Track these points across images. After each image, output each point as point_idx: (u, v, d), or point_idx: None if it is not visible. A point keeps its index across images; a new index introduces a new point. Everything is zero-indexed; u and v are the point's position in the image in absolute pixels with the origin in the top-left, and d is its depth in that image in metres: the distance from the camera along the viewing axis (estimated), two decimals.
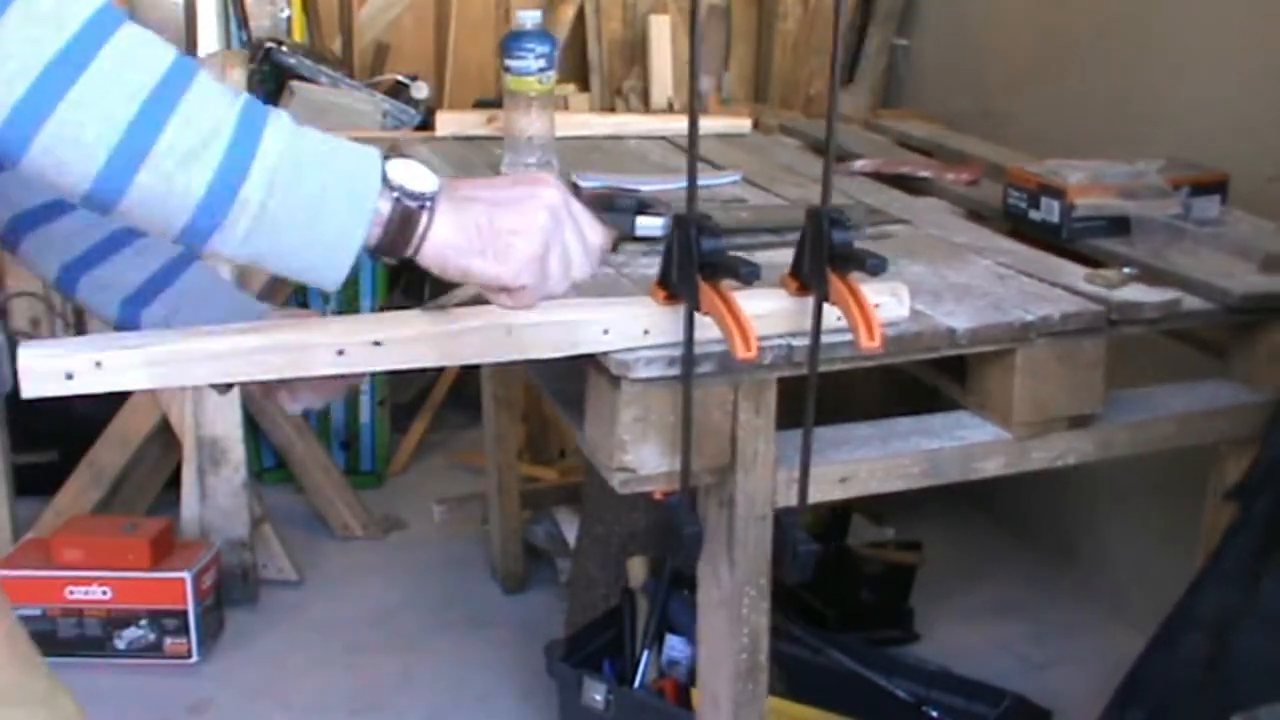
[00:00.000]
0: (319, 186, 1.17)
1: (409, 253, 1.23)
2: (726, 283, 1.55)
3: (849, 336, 1.71)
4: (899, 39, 4.06)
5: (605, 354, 1.63)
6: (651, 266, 1.98)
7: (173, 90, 1.12)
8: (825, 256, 1.57)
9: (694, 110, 1.52)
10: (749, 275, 1.53)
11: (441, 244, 1.23)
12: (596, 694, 2.63)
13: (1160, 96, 3.12)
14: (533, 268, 1.27)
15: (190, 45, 4.72)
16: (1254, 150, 2.71)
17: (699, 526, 1.70)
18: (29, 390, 1.30)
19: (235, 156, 1.13)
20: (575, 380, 1.81)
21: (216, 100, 1.14)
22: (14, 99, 1.05)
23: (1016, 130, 3.36)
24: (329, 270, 1.20)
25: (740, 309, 1.52)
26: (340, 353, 1.39)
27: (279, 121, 1.17)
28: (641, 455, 1.69)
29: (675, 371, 1.63)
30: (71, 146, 1.08)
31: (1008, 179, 2.37)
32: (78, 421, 3.64)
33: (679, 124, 3.14)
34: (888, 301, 1.75)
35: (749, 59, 4.26)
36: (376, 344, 1.41)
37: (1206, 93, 2.98)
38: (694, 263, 1.52)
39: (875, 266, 1.56)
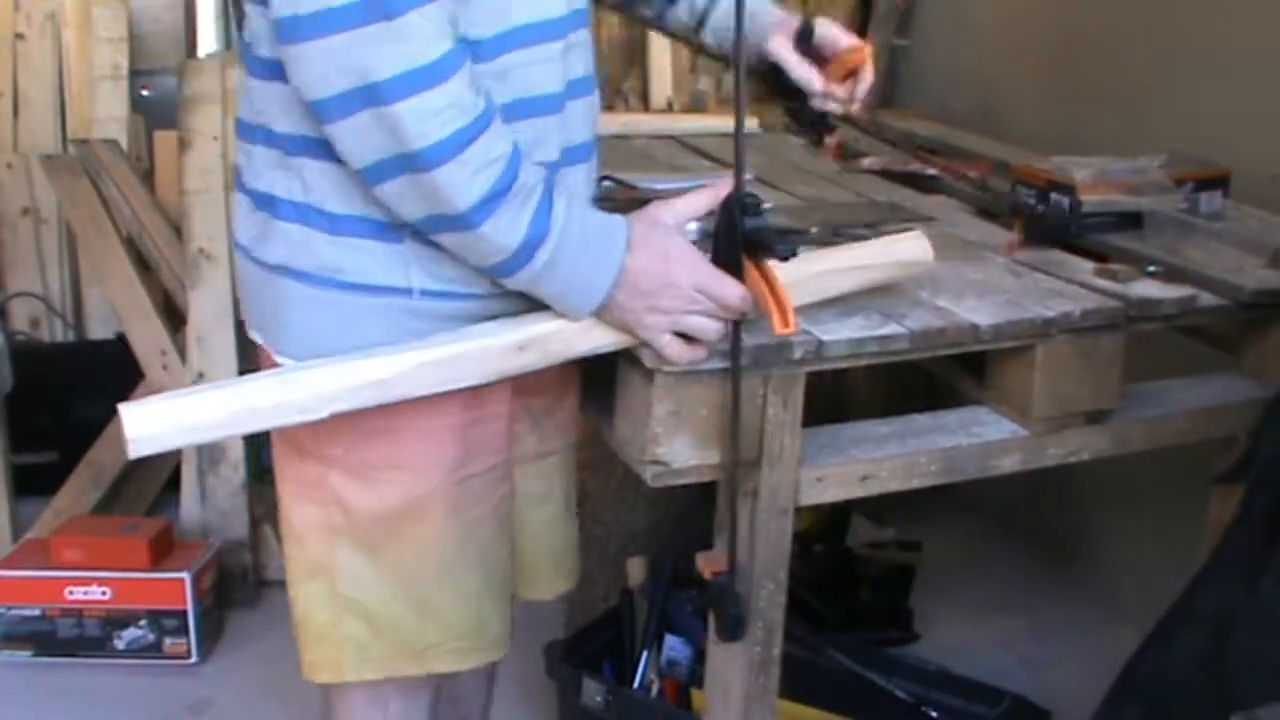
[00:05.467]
0: (582, 246, 1.55)
1: None
2: (770, 262, 1.58)
3: (877, 331, 1.73)
4: (899, 39, 4.07)
5: (639, 347, 1.64)
6: None
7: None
8: (740, 244, 1.60)
9: (740, 97, 1.58)
10: (785, 252, 1.58)
11: (618, 305, 1.59)
12: (596, 695, 2.62)
13: (1158, 93, 3.13)
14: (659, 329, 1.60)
15: (190, 46, 4.73)
16: (1253, 147, 2.72)
17: (743, 608, 1.75)
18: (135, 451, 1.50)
19: (536, 229, 1.52)
20: (600, 374, 1.80)
21: (533, 180, 1.52)
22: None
23: (1016, 129, 3.36)
24: (581, 308, 1.59)
25: (780, 286, 1.56)
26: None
27: (560, 195, 1.55)
28: (674, 449, 1.68)
29: (708, 365, 1.64)
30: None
31: (1015, 176, 2.37)
32: (77, 422, 3.66)
33: (686, 123, 3.14)
34: (910, 246, 1.83)
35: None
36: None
37: (1204, 89, 2.99)
38: (738, 242, 1.58)
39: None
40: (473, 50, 1.50)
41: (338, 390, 1.55)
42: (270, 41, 1.54)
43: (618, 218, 1.59)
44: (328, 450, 1.68)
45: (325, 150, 1.56)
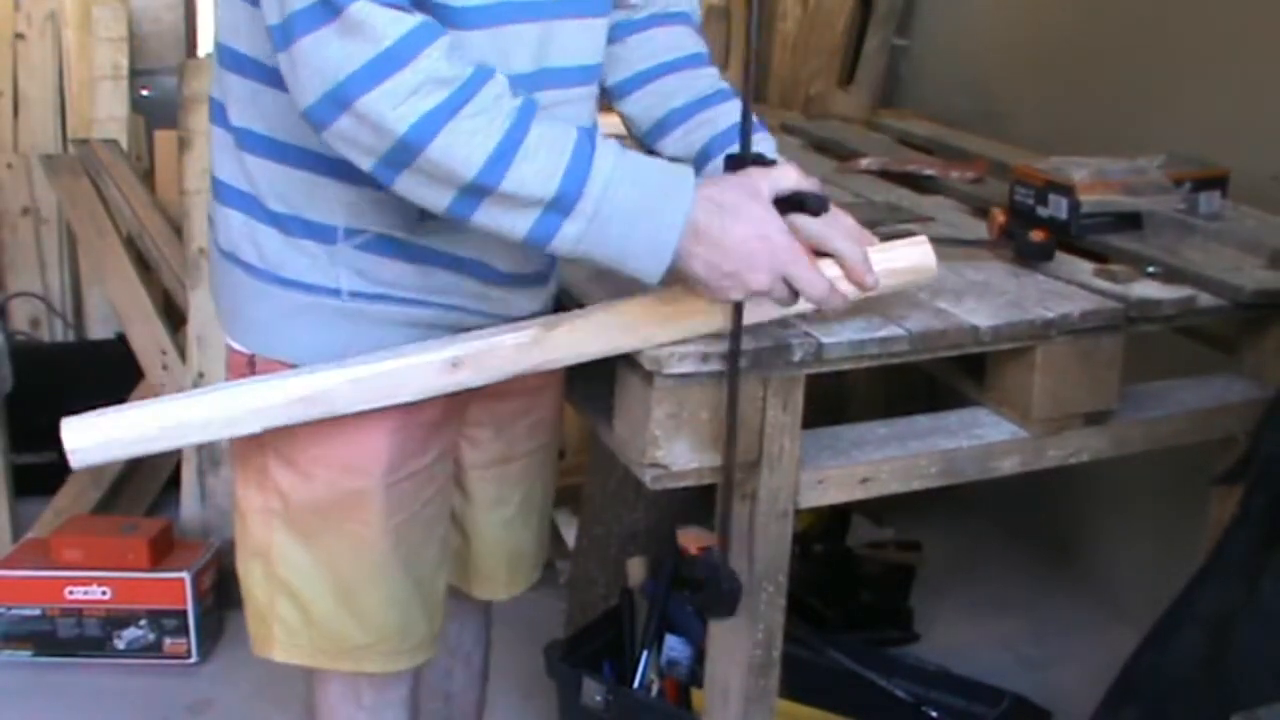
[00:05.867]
0: (638, 199, 1.49)
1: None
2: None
3: (877, 333, 1.73)
4: (899, 39, 4.07)
5: (638, 352, 1.64)
6: None
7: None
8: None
9: (749, 60, 1.60)
10: (817, 205, 1.60)
11: (689, 253, 1.52)
12: (596, 694, 2.62)
13: (1157, 94, 3.13)
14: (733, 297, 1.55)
15: (190, 45, 4.73)
16: (1253, 147, 2.72)
17: (738, 582, 1.72)
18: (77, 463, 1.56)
19: (573, 177, 1.46)
20: (599, 376, 1.80)
21: (557, 132, 1.47)
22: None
23: (1015, 129, 3.36)
24: (652, 266, 1.51)
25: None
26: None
27: (606, 147, 1.49)
28: (674, 452, 1.68)
29: (708, 368, 1.64)
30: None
31: (1014, 176, 2.37)
32: None
33: None
34: (908, 251, 1.77)
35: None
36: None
37: (1204, 89, 2.99)
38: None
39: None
40: None
41: (266, 407, 1.59)
42: (230, 31, 1.59)
43: (684, 169, 1.55)
44: (268, 439, 1.70)
45: (268, 148, 1.60)
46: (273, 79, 1.51)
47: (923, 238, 1.79)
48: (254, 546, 1.78)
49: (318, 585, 1.75)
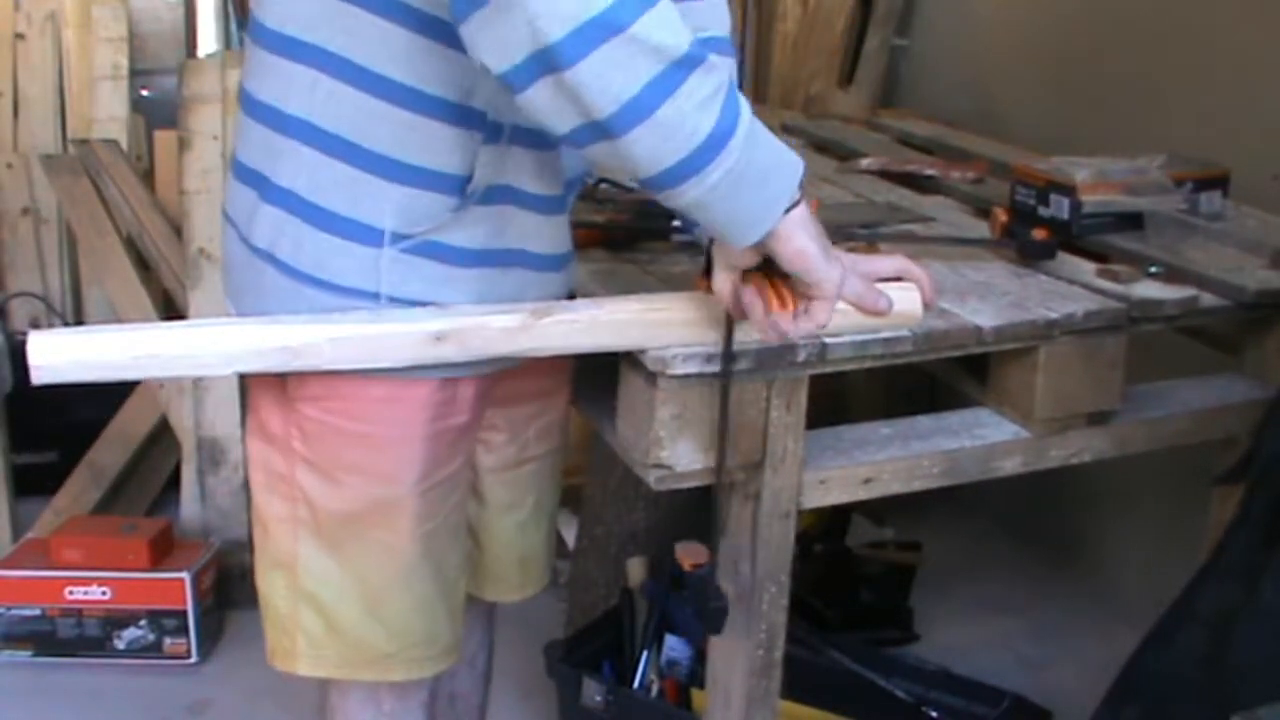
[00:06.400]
0: (771, 155, 1.42)
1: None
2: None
3: (881, 334, 1.74)
4: (899, 39, 4.07)
5: (642, 351, 1.64)
6: (677, 265, 1.99)
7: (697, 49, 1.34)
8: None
9: None
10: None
11: (800, 220, 1.45)
12: (596, 694, 2.62)
13: (1158, 94, 3.13)
14: (835, 285, 1.49)
15: (190, 45, 4.73)
16: (1253, 147, 2.72)
17: (725, 601, 1.72)
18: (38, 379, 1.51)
19: (730, 112, 1.36)
20: (601, 376, 1.80)
21: (720, 63, 1.36)
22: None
23: (1015, 129, 3.36)
24: (751, 230, 1.44)
25: (780, 280, 1.53)
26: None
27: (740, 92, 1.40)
28: (678, 452, 1.68)
29: (712, 369, 1.63)
30: (618, 70, 1.30)
31: (1015, 176, 2.37)
32: (78, 422, 3.66)
33: None
34: (899, 296, 1.69)
35: (749, 59, 4.27)
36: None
37: (1204, 89, 2.99)
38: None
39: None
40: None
41: (244, 350, 1.56)
42: (290, 18, 1.53)
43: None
44: (296, 446, 1.67)
45: (328, 141, 1.55)
46: (334, 67, 1.49)
47: (913, 285, 1.72)
48: (277, 557, 1.74)
49: (346, 595, 1.72)
